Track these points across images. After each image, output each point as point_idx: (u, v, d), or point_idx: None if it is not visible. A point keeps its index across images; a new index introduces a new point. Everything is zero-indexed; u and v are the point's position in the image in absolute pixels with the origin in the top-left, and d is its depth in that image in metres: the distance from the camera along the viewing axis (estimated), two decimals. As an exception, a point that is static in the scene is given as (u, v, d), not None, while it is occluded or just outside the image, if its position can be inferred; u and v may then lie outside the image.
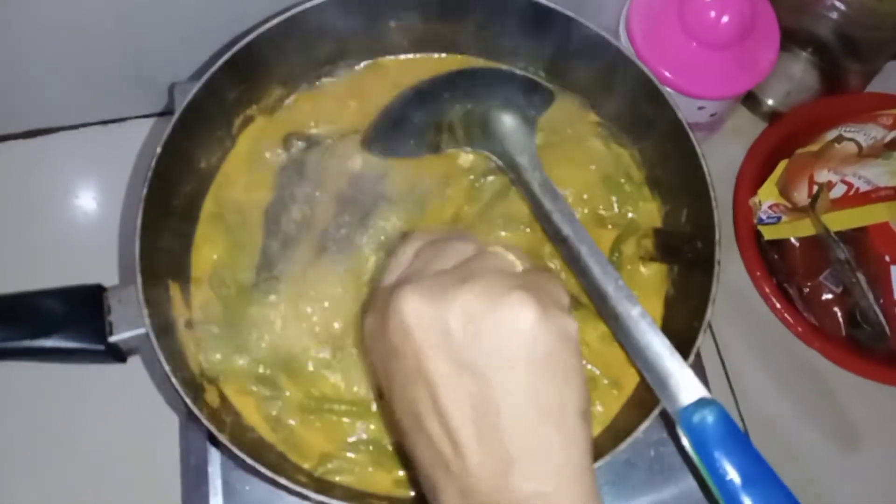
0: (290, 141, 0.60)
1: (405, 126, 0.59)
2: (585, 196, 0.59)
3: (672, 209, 0.59)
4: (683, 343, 0.49)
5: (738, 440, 0.44)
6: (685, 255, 0.56)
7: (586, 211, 0.59)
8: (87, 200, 0.70)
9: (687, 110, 0.66)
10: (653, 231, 0.59)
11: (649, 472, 0.57)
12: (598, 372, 0.55)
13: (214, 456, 0.55)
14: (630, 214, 0.59)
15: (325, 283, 0.56)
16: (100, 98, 0.71)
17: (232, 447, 0.46)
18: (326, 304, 0.55)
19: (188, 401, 0.46)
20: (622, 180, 0.60)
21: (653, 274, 0.58)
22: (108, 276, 0.62)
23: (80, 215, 0.70)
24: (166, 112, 0.73)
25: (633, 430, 0.49)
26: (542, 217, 0.55)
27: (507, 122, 0.59)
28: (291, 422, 0.53)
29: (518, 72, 0.61)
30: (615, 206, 0.60)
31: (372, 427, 0.53)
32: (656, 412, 0.48)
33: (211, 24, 0.64)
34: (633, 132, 0.61)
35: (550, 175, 0.56)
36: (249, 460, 0.45)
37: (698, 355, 0.58)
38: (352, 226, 0.57)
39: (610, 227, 0.59)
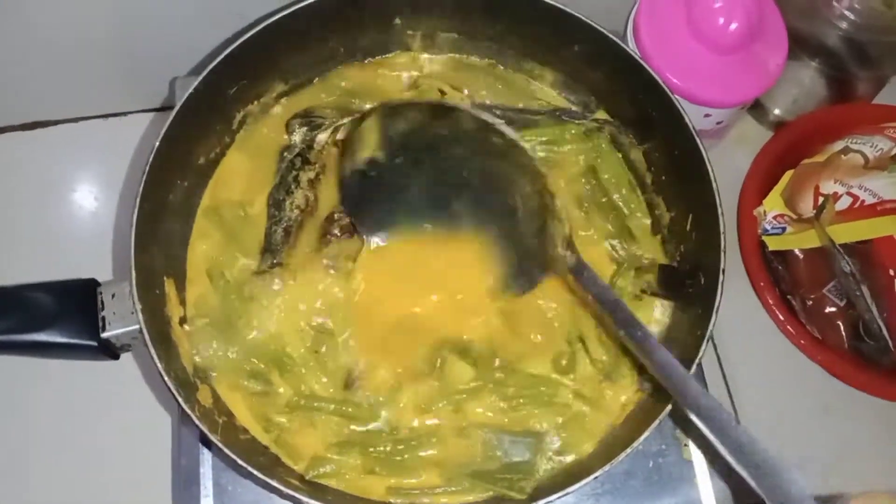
0: (291, 125, 0.59)
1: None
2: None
3: (677, 215, 0.58)
4: (685, 353, 0.48)
5: None
6: (686, 290, 0.55)
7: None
8: (85, 194, 0.70)
9: (694, 117, 0.66)
10: (658, 267, 0.58)
11: (647, 483, 0.57)
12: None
13: (206, 457, 0.55)
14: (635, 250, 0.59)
15: (325, 274, 0.55)
16: (100, 91, 0.71)
17: (223, 448, 0.45)
18: (320, 302, 0.55)
19: (180, 400, 0.45)
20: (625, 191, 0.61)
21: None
22: (104, 270, 0.62)
23: (78, 208, 0.69)
24: (167, 107, 0.73)
25: (632, 442, 0.48)
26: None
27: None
28: (282, 419, 0.53)
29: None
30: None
31: (363, 429, 0.53)
32: (655, 424, 0.48)
33: (213, 19, 0.63)
34: (639, 133, 0.60)
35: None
36: (241, 462, 0.44)
37: (700, 365, 0.58)
38: None
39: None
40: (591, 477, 0.47)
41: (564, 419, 0.54)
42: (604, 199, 0.60)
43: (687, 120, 0.55)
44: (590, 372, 0.56)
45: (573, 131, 0.62)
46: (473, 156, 0.57)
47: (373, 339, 0.55)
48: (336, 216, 0.57)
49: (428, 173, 0.57)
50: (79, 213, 0.69)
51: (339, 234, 0.56)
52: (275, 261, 0.55)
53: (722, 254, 0.51)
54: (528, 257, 0.56)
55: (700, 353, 0.49)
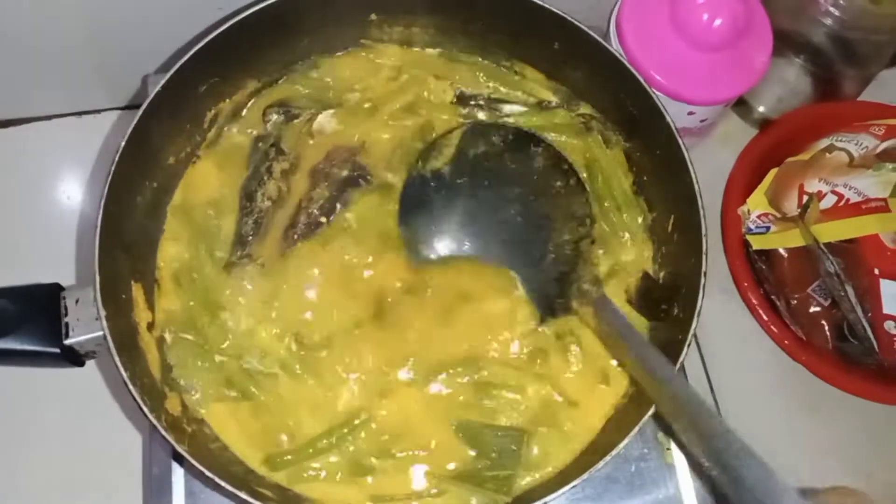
0: (268, 114, 0.58)
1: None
2: None
3: (659, 216, 0.57)
4: (667, 355, 0.48)
5: None
6: (660, 313, 0.55)
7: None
8: (56, 193, 0.68)
9: (677, 115, 0.65)
10: (642, 275, 0.58)
11: (629, 487, 0.56)
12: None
13: (178, 466, 0.53)
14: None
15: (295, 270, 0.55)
16: (73, 88, 0.69)
17: (192, 460, 0.43)
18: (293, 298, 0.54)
19: (146, 409, 0.44)
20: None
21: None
22: (70, 274, 0.60)
23: (49, 209, 0.68)
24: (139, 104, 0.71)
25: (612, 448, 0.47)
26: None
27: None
28: (257, 426, 0.51)
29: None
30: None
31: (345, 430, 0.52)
32: (635, 431, 0.47)
33: (186, 15, 0.62)
34: (623, 132, 0.60)
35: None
36: (209, 473, 0.43)
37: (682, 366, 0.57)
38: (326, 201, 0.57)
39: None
40: (572, 484, 0.46)
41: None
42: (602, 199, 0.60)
43: (668, 118, 0.54)
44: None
45: (559, 120, 0.62)
46: (532, 198, 0.58)
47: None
48: (304, 205, 0.57)
49: (483, 203, 0.58)
50: (49, 214, 0.67)
51: (303, 229, 0.56)
52: (244, 252, 0.54)
53: (704, 256, 0.50)
54: (553, 293, 0.56)
55: (682, 357, 0.48)
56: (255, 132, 0.58)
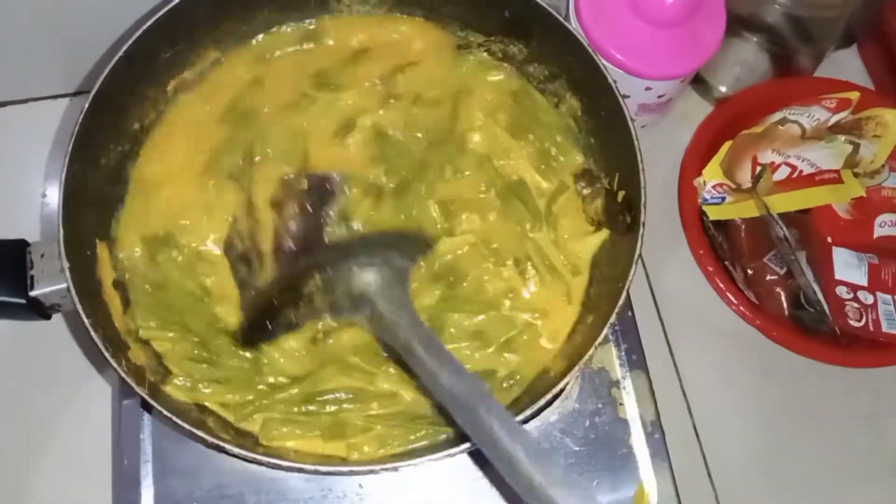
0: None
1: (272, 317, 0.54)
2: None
3: (606, 174, 0.59)
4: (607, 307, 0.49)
5: None
6: (624, 222, 0.56)
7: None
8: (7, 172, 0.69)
9: (635, 91, 0.67)
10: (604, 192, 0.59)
11: (584, 441, 0.58)
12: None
13: (146, 422, 0.55)
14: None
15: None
16: (25, 74, 0.69)
17: (151, 401, 0.45)
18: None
19: (108, 355, 0.45)
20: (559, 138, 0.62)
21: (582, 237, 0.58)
22: (34, 236, 0.62)
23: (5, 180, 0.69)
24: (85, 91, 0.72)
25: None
26: (425, 376, 0.47)
27: (375, 280, 0.51)
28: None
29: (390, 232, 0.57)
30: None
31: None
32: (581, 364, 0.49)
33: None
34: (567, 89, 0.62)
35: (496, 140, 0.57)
36: (167, 413, 0.45)
37: (639, 338, 0.61)
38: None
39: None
40: (559, 386, 0.48)
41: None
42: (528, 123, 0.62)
43: (609, 78, 0.56)
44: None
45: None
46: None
47: None
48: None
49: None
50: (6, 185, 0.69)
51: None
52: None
53: (642, 209, 0.52)
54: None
55: (620, 301, 0.50)
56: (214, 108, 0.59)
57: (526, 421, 0.50)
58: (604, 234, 0.58)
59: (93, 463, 0.58)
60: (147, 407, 0.54)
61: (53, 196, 0.67)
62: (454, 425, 0.46)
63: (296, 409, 0.53)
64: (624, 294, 0.50)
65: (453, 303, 0.56)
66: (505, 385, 0.54)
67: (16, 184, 0.69)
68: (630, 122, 0.55)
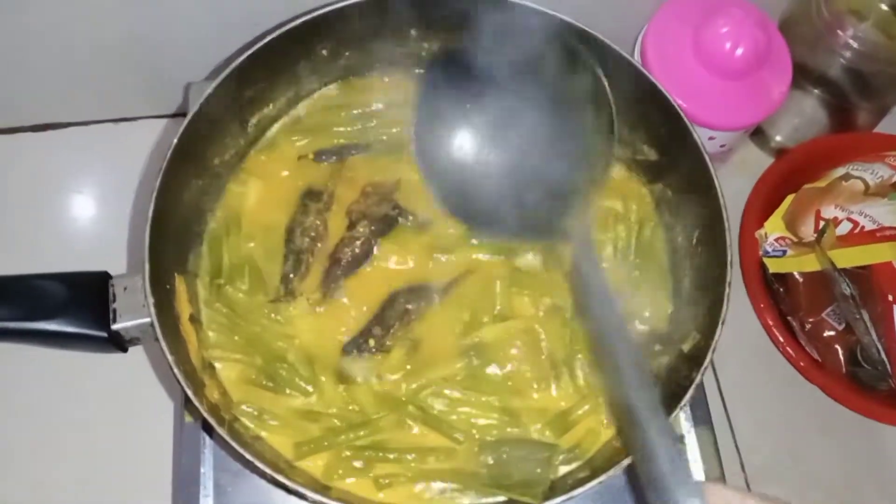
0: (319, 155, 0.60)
1: None
2: None
3: (683, 228, 0.59)
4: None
5: None
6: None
7: None
8: (93, 195, 0.70)
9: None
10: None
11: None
12: None
13: (207, 456, 0.55)
14: None
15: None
16: (112, 96, 0.71)
17: (230, 440, 0.45)
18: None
19: (189, 392, 0.45)
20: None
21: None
22: (116, 268, 0.62)
23: (87, 208, 0.70)
24: (179, 114, 0.73)
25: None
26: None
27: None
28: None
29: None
30: None
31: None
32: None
33: (227, 25, 0.64)
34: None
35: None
36: (245, 453, 0.44)
37: (704, 393, 0.59)
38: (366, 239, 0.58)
39: None
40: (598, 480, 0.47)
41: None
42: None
43: (696, 136, 0.56)
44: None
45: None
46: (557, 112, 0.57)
47: None
48: (345, 242, 0.58)
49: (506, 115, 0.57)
50: (88, 213, 0.70)
51: (345, 267, 0.57)
52: (287, 289, 0.56)
53: (729, 267, 0.51)
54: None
55: (707, 360, 0.49)
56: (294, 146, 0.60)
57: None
58: None
59: (153, 496, 0.59)
60: (209, 432, 0.54)
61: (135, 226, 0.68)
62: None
63: (357, 454, 0.52)
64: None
65: None
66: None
67: (102, 211, 0.70)
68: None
